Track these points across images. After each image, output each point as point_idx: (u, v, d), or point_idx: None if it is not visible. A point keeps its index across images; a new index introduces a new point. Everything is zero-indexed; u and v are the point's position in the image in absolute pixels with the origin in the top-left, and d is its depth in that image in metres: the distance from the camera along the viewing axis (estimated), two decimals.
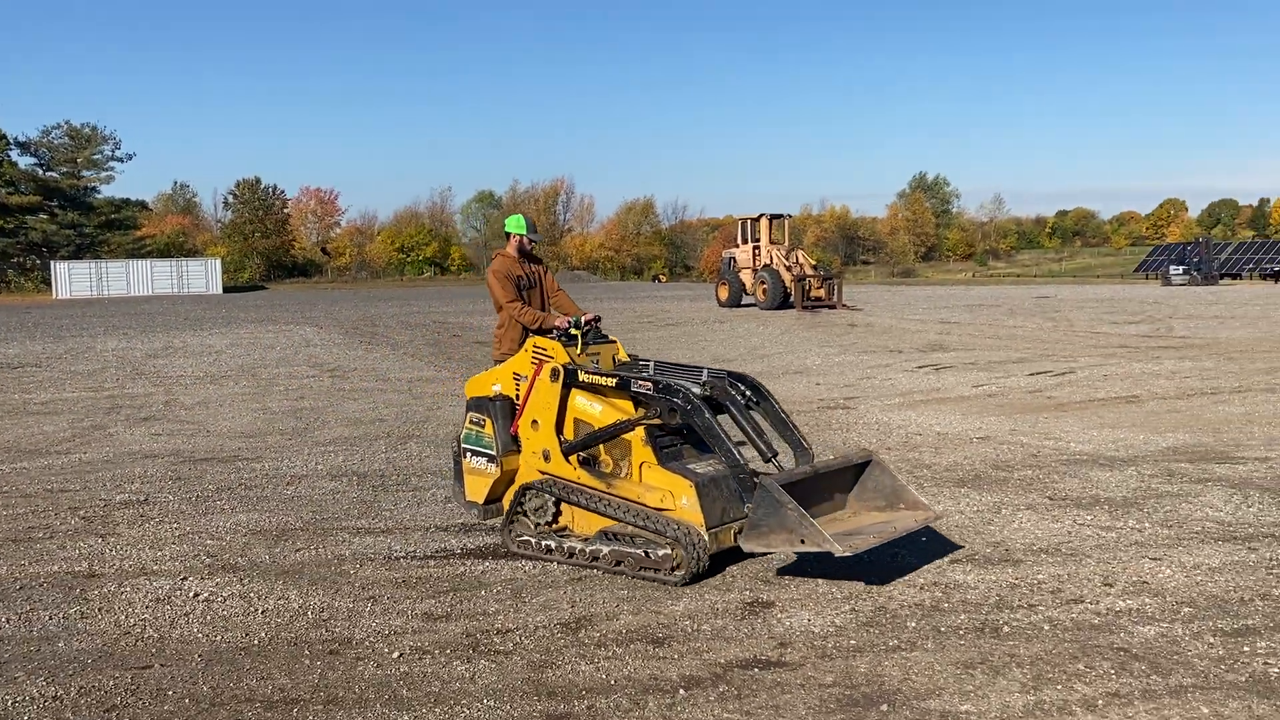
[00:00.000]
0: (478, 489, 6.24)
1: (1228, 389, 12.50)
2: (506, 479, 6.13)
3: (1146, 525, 6.32)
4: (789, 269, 31.60)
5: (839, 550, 4.91)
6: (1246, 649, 4.42)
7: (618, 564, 5.56)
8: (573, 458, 5.82)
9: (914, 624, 4.79)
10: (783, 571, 5.61)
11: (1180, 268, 53.85)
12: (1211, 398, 11.82)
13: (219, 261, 66.45)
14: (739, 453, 5.41)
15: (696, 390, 5.51)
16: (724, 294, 33.50)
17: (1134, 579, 5.36)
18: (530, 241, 6.87)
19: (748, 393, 5.83)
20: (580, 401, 5.93)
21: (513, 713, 3.93)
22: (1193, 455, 8.47)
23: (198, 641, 4.75)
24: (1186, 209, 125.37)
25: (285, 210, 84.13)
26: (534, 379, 6.00)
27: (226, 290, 63.24)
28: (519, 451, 6.11)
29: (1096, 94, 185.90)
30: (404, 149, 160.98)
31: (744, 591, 5.29)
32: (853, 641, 4.59)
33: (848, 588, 5.31)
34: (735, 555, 5.52)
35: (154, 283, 62.31)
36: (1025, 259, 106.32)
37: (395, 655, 4.53)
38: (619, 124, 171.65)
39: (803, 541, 4.97)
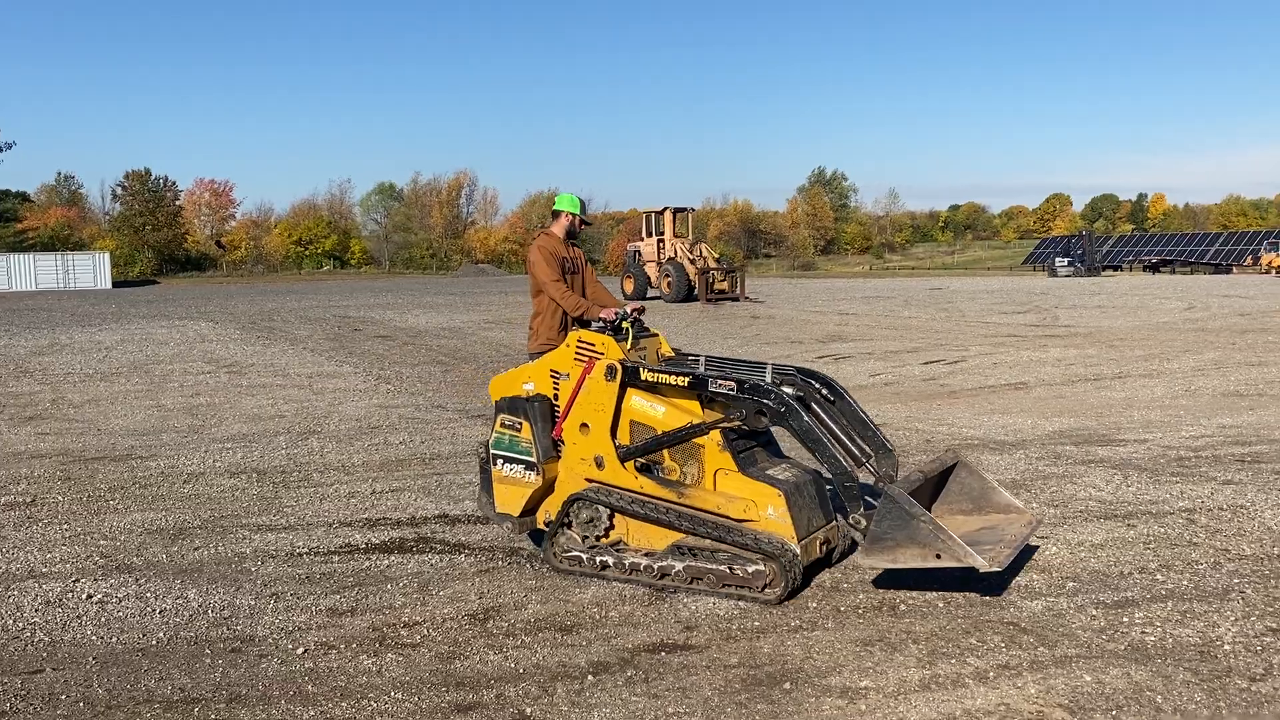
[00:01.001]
0: (512, 500, 5.61)
1: (1109, 375, 13.09)
2: (547, 488, 5.57)
3: (1034, 505, 6.60)
4: (693, 262, 31.91)
5: (984, 565, 4.51)
6: (1125, 620, 4.66)
7: (693, 580, 5.09)
8: (629, 464, 5.32)
9: (815, 604, 4.93)
10: None
11: (1065, 260, 55.99)
12: (1094, 384, 12.36)
13: (108, 255, 64.05)
14: (846, 459, 4.99)
15: (790, 390, 5.14)
16: (629, 287, 33.64)
17: (1022, 556, 5.60)
18: (581, 224, 6.37)
19: (824, 391, 5.36)
20: (637, 402, 5.38)
21: (421, 704, 3.93)
22: (1077, 438, 8.85)
23: (91, 644, 4.62)
24: (1071, 203, 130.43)
25: (178, 202, 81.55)
26: (583, 377, 5.41)
27: (116, 285, 60.95)
28: (559, 458, 5.58)
29: (985, 92, 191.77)
30: (302, 139, 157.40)
31: None
32: (756, 623, 4.71)
33: None
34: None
35: (38, 277, 59.73)
36: (919, 252, 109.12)
37: (300, 651, 4.48)
38: (523, 116, 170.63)
39: (938, 556, 4.55)
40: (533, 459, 5.53)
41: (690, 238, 34.34)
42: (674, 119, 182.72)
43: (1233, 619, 4.63)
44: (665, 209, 34.00)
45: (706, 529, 5.06)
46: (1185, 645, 4.34)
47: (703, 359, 5.60)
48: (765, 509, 5.01)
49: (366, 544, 6.10)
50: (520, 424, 5.57)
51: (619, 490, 5.34)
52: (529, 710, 3.86)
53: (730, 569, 5.01)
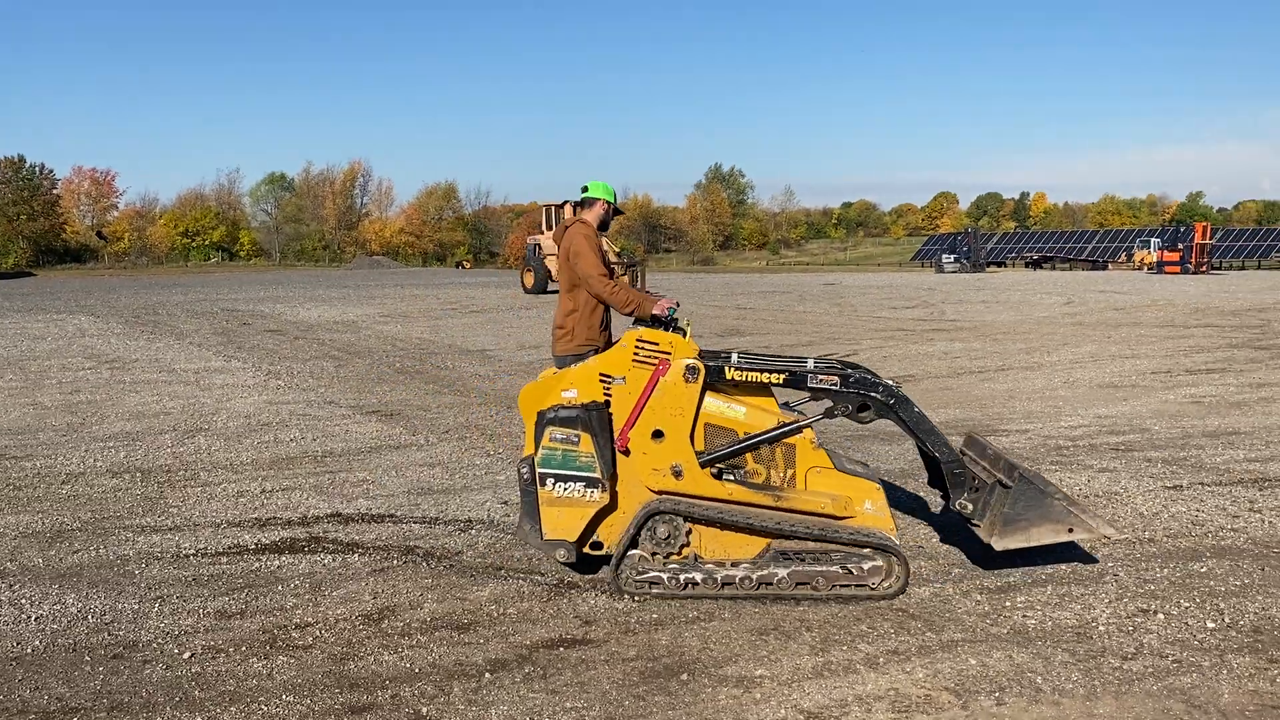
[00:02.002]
0: (568, 523, 4.99)
1: (993, 368, 13.56)
2: (611, 505, 5.07)
3: (920, 494, 6.79)
4: None
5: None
6: (1008, 604, 4.84)
7: (800, 585, 4.90)
8: (705, 470, 5.05)
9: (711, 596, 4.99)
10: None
11: (951, 256, 57.75)
12: (978, 376, 12.78)
13: None
14: (951, 445, 5.16)
15: (890, 381, 5.11)
16: (529, 281, 33.47)
17: (910, 544, 5.77)
18: (615, 213, 5.99)
19: None
20: (712, 403, 5.11)
21: (314, 707, 3.86)
22: (962, 429, 9.14)
23: None
24: (958, 201, 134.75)
25: (55, 191, 78.07)
26: (654, 379, 5.00)
27: None
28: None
29: (876, 93, 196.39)
30: (188, 128, 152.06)
31: (551, 575, 5.36)
32: (654, 615, 4.74)
33: None
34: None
35: None
36: (814, 248, 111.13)
37: (186, 656, 4.34)
38: (419, 106, 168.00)
39: (1071, 531, 4.80)
40: (595, 474, 4.94)
41: None
42: (574, 112, 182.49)
43: (1107, 601, 4.85)
44: (566, 203, 33.86)
45: (807, 531, 4.90)
46: (1063, 627, 4.54)
47: (735, 355, 5.21)
48: (863, 503, 4.98)
49: (256, 544, 5.94)
50: (578, 436, 4.94)
51: (704, 500, 5.00)
52: (425, 710, 3.82)
53: (844, 568, 4.89)
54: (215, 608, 4.92)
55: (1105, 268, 60.71)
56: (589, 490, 4.95)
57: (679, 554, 5.00)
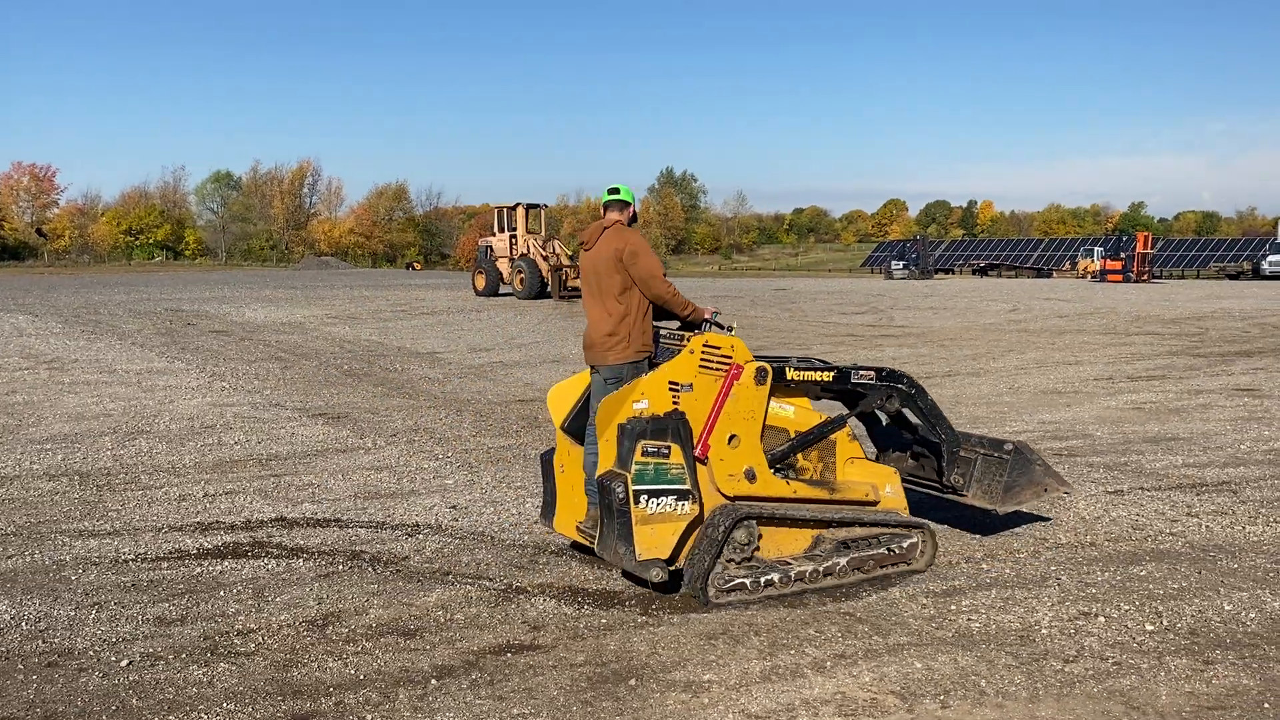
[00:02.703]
0: (663, 539, 4.80)
1: (939, 373, 13.72)
2: (700, 517, 4.94)
3: None
4: (546, 259, 31.78)
5: (1071, 487, 5.99)
6: (953, 608, 4.90)
7: (855, 570, 5.14)
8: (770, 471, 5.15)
9: (659, 600, 4.98)
10: (536, 558, 5.68)
11: (901, 263, 58.37)
12: (926, 382, 12.91)
13: None
14: (954, 430, 5.74)
15: (909, 374, 5.63)
16: (481, 283, 33.27)
17: None
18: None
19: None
20: (770, 405, 5.23)
21: (255, 714, 3.78)
22: None
23: None
24: (907, 209, 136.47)
25: None
26: (729, 384, 5.00)
27: None
28: None
29: (828, 100, 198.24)
30: (132, 124, 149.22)
31: (499, 580, 5.32)
32: (604, 621, 4.73)
33: (599, 570, 5.45)
34: (492, 546, 5.52)
35: None
36: (765, 253, 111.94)
37: (124, 663, 4.24)
38: (370, 106, 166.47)
39: (1045, 490, 5.48)
40: (686, 486, 4.84)
41: (543, 234, 34.19)
42: (527, 114, 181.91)
43: (1049, 604, 4.92)
44: (518, 205, 33.75)
45: (853, 519, 5.23)
46: (1007, 630, 4.60)
47: (793, 358, 5.39)
48: (885, 488, 5.38)
49: (198, 549, 5.82)
50: (669, 448, 4.82)
51: (774, 501, 5.08)
52: (369, 717, 3.76)
53: (889, 549, 5.27)
54: (155, 614, 4.81)
55: (1050, 275, 61.79)
56: (680, 503, 4.83)
57: (750, 558, 5.02)
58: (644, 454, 4.78)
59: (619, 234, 5.46)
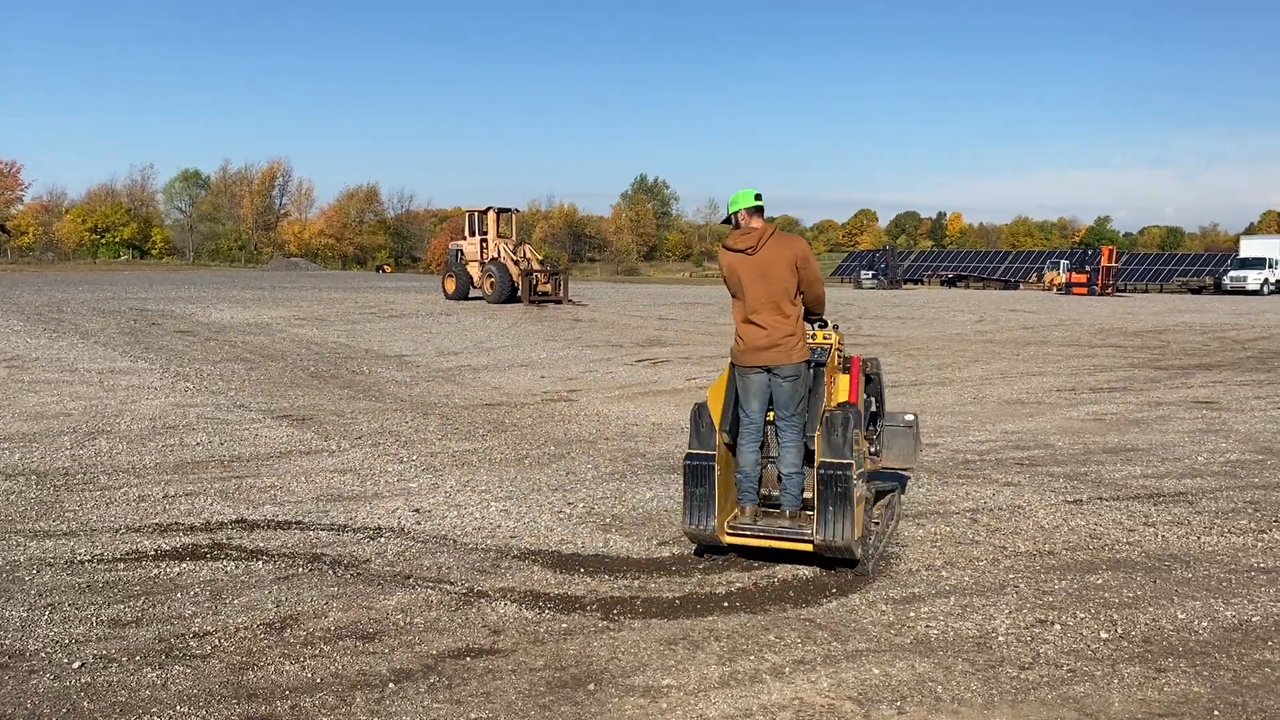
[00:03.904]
0: (860, 518, 5.41)
1: (906, 383, 13.82)
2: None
3: None
4: (516, 263, 31.69)
5: (917, 461, 6.81)
6: (912, 614, 4.93)
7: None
8: None
9: (621, 605, 4.99)
10: (498, 562, 5.67)
11: (870, 273, 58.75)
12: (891, 390, 13.00)
13: None
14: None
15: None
16: (451, 286, 33.10)
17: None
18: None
19: None
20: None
21: (209, 717, 3.75)
22: None
23: None
24: (877, 219, 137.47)
25: None
26: (857, 372, 6.12)
27: None
28: None
29: (799, 109, 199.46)
30: (100, 120, 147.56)
31: (460, 583, 5.30)
32: (564, 625, 4.72)
33: (561, 574, 5.45)
34: (454, 550, 5.49)
35: None
36: None
37: (76, 665, 4.18)
38: (342, 107, 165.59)
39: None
40: (865, 469, 5.73)
41: (514, 238, 34.10)
42: (500, 119, 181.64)
43: (1007, 612, 4.97)
44: (489, 208, 33.63)
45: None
46: (964, 637, 4.63)
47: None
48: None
49: (156, 550, 5.76)
50: (858, 434, 5.47)
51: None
52: None
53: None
54: (109, 615, 4.76)
55: (1017, 287, 62.36)
56: (865, 485, 5.66)
57: None
58: (856, 442, 5.42)
59: (788, 240, 5.74)
